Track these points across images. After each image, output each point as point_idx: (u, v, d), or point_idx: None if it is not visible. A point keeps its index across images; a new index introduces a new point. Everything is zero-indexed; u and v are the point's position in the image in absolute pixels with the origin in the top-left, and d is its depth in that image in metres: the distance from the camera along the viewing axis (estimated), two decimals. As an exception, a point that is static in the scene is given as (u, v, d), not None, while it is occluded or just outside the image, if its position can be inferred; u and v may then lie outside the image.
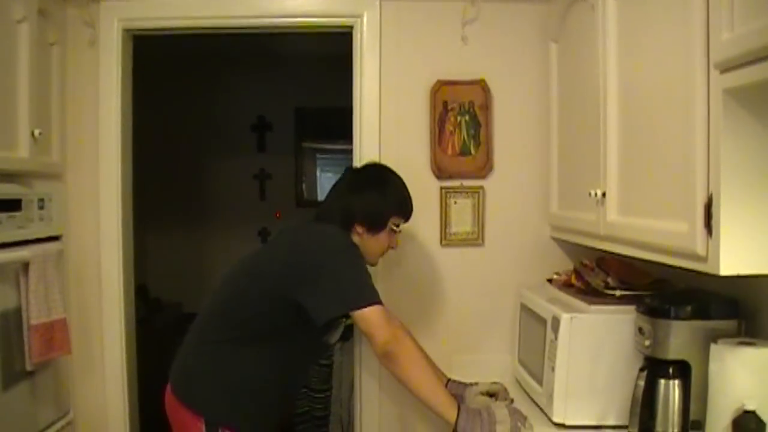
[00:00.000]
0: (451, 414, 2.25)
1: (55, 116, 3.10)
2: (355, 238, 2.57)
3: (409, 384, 2.31)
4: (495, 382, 2.74)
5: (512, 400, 2.62)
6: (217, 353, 2.47)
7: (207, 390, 2.44)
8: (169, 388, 2.53)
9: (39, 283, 2.79)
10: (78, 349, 3.19)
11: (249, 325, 2.43)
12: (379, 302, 2.31)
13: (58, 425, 3.02)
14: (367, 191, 2.61)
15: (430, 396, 2.29)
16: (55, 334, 2.88)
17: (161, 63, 5.53)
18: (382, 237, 2.62)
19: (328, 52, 4.25)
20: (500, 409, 2.31)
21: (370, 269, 2.52)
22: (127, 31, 3.28)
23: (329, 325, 2.45)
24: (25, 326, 2.74)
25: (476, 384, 2.72)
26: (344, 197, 2.63)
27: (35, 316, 2.76)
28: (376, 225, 2.59)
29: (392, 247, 2.70)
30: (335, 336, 2.68)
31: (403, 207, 2.67)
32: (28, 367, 2.75)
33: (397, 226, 2.65)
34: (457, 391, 2.67)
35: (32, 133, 2.75)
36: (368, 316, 2.29)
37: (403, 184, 2.72)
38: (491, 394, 2.66)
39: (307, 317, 2.32)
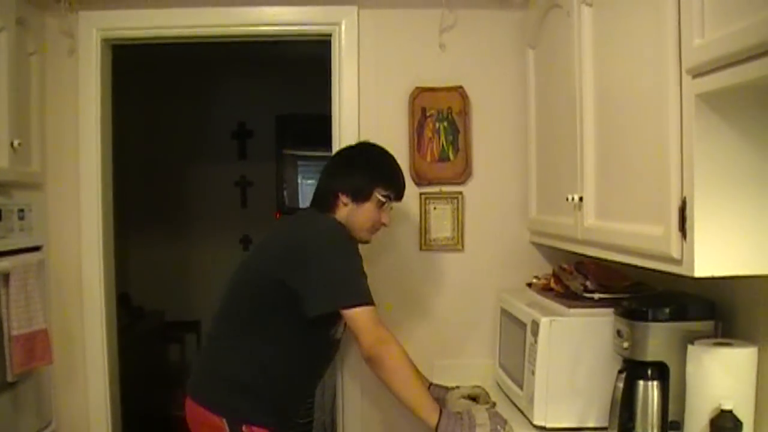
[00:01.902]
0: (432, 417, 2.27)
1: (35, 126, 3.10)
2: (342, 211, 2.56)
3: (392, 387, 2.33)
4: (476, 386, 2.75)
5: (494, 404, 2.64)
6: (229, 351, 2.48)
7: (224, 389, 2.44)
8: (188, 396, 2.52)
9: (20, 294, 2.78)
10: (60, 358, 3.17)
11: (255, 317, 2.45)
12: (370, 303, 2.33)
13: (41, 435, 3.02)
14: (351, 164, 2.64)
15: (412, 400, 2.32)
16: (37, 345, 2.87)
17: (141, 71, 5.52)
18: (369, 208, 2.58)
19: (309, 58, 4.26)
20: (480, 413, 2.34)
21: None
22: (106, 40, 3.27)
23: (330, 320, 2.46)
24: (5, 337, 2.73)
25: (457, 388, 2.73)
26: (330, 173, 2.66)
27: (16, 326, 2.75)
28: (360, 194, 2.56)
29: (384, 224, 2.65)
30: (340, 331, 2.64)
31: (389, 177, 2.64)
32: (10, 378, 2.75)
33: (386, 199, 2.61)
34: (438, 394, 2.68)
35: (11, 144, 2.75)
36: (357, 316, 2.31)
37: (391, 157, 2.71)
38: (473, 398, 2.68)
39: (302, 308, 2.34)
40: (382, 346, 2.31)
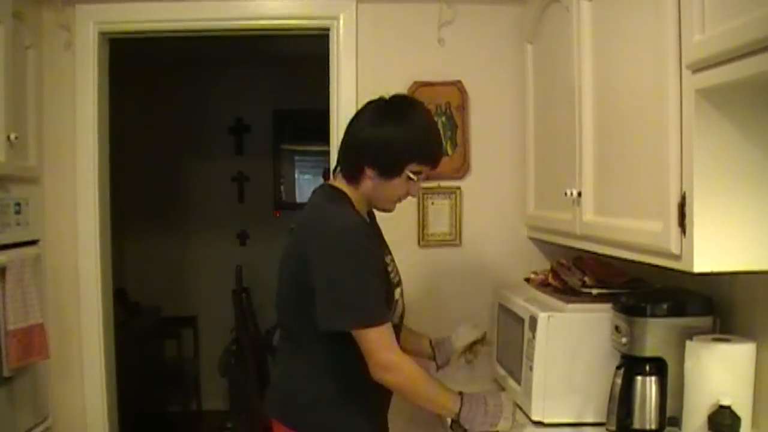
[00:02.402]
0: (454, 410, 2.16)
1: (32, 120, 3.09)
2: (367, 184, 2.24)
3: (407, 399, 2.21)
4: (474, 326, 2.68)
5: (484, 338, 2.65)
6: (296, 364, 2.30)
7: (302, 406, 2.26)
8: (273, 420, 2.32)
9: (16, 288, 2.78)
10: (56, 353, 3.17)
11: (298, 324, 2.26)
12: (381, 322, 2.09)
13: (37, 431, 3.01)
14: (381, 133, 2.20)
15: (428, 406, 2.22)
16: (33, 340, 2.86)
17: (138, 65, 5.50)
18: (397, 183, 2.23)
19: (307, 53, 4.25)
20: (507, 403, 2.22)
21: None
22: (103, 34, 3.27)
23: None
24: (2, 332, 2.72)
25: (455, 335, 2.64)
26: (356, 137, 2.26)
27: (12, 321, 2.74)
28: (389, 170, 2.21)
29: (411, 195, 2.31)
30: (397, 315, 2.41)
31: (426, 152, 2.25)
32: (6, 373, 2.74)
33: (417, 175, 2.24)
34: (440, 347, 2.62)
35: (8, 138, 2.74)
36: (362, 339, 2.09)
37: (429, 121, 2.33)
38: (474, 342, 2.64)
39: None
40: (386, 374, 2.11)
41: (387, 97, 2.34)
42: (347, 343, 2.12)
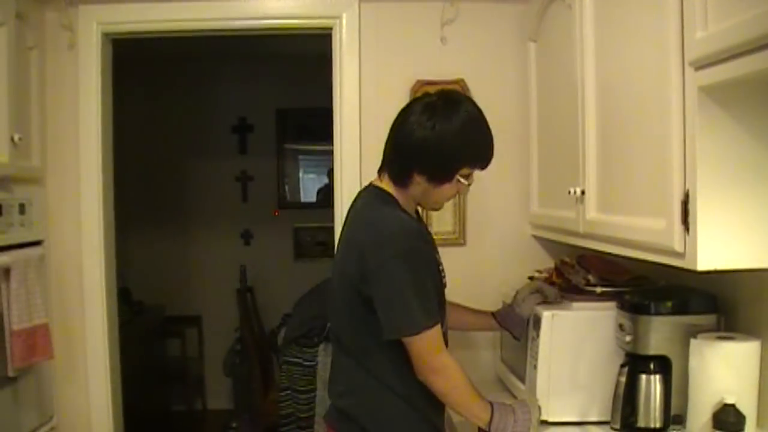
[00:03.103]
0: (485, 419, 2.15)
1: (35, 120, 3.09)
2: (416, 189, 2.20)
3: (446, 402, 2.23)
4: (533, 288, 2.59)
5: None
6: (357, 379, 2.24)
7: (369, 420, 2.21)
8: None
9: (20, 289, 2.78)
10: (60, 353, 3.17)
11: (357, 336, 2.22)
12: (429, 326, 2.08)
13: (42, 431, 3.01)
14: (433, 138, 2.12)
15: (466, 413, 2.21)
16: (37, 340, 2.86)
17: (141, 65, 5.52)
18: (447, 188, 2.20)
19: (310, 52, 4.25)
20: (535, 411, 2.20)
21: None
22: (106, 34, 3.27)
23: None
24: (6, 332, 2.73)
25: (519, 302, 2.59)
26: (406, 139, 2.17)
27: (17, 321, 2.75)
28: (440, 177, 2.17)
29: (461, 194, 2.34)
30: (445, 324, 2.37)
31: (477, 155, 2.22)
32: (10, 373, 2.74)
33: (468, 177, 2.22)
34: (509, 319, 2.59)
35: (12, 138, 2.74)
36: (421, 342, 2.08)
37: (483, 121, 2.26)
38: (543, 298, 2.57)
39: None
40: (434, 376, 2.12)
41: (433, 94, 2.25)
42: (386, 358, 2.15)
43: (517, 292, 2.60)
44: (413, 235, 2.14)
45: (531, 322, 2.49)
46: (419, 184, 2.18)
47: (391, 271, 2.06)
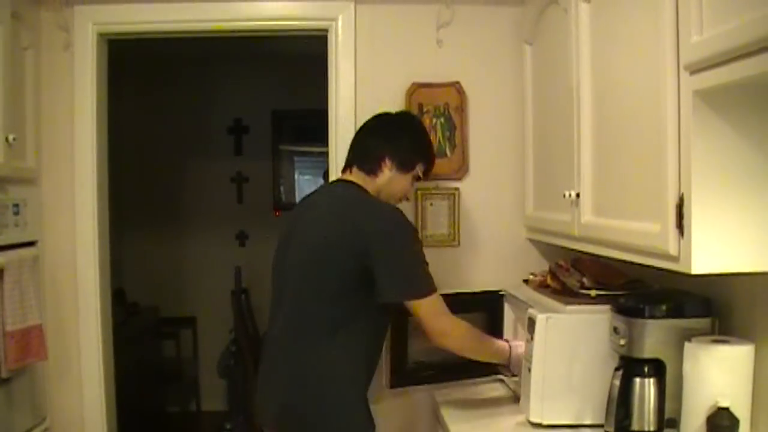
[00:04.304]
0: (505, 357, 2.59)
1: (30, 121, 3.08)
2: (384, 176, 2.56)
3: (464, 356, 2.54)
4: None
5: None
6: (317, 358, 2.39)
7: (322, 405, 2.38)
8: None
9: (14, 290, 2.77)
10: (54, 354, 3.16)
11: (342, 305, 2.39)
12: (435, 290, 2.39)
13: (35, 432, 3.01)
14: (401, 133, 2.63)
15: (484, 359, 2.59)
16: (31, 341, 2.86)
17: (137, 66, 5.51)
18: (407, 179, 2.62)
19: (306, 54, 4.25)
20: None
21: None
22: (101, 35, 3.26)
23: (392, 308, 2.47)
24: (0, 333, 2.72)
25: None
26: (378, 134, 2.64)
27: (10, 322, 2.74)
28: (405, 164, 2.58)
29: (408, 198, 2.75)
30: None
31: (430, 155, 2.70)
32: (4, 374, 2.74)
33: (421, 175, 2.67)
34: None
35: (6, 139, 2.73)
36: (429, 305, 2.37)
37: (429, 135, 2.83)
38: None
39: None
40: (445, 339, 2.43)
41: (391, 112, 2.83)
42: (381, 324, 2.52)
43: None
44: (404, 215, 2.46)
45: (525, 325, 2.49)
46: (388, 170, 2.56)
47: (401, 243, 2.38)
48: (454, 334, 2.45)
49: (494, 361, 2.61)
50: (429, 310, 2.38)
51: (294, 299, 2.46)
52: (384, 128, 2.68)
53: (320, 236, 2.43)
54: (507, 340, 2.66)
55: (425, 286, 2.37)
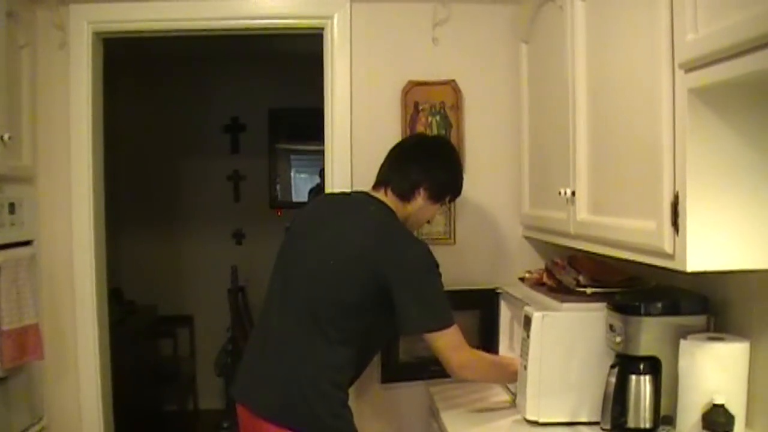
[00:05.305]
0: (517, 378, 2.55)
1: (26, 119, 3.08)
2: (415, 204, 2.57)
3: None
4: None
5: None
6: (309, 355, 2.40)
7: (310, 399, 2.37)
8: (267, 420, 2.43)
9: (11, 289, 2.77)
10: (51, 353, 3.16)
11: (355, 319, 2.40)
12: (453, 323, 2.39)
13: (32, 431, 3.00)
14: (439, 164, 2.63)
15: (501, 382, 2.77)
16: (28, 340, 2.86)
17: (133, 64, 5.51)
18: (434, 209, 2.64)
19: (302, 52, 4.25)
20: None
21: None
22: (97, 34, 3.26)
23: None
24: (-4, 332, 2.72)
25: None
26: (415, 162, 2.60)
27: (7, 321, 2.74)
28: (438, 197, 2.60)
29: (429, 222, 2.78)
30: None
31: (461, 186, 2.72)
32: (0, 374, 2.74)
33: (448, 203, 2.73)
34: None
35: (2, 138, 2.73)
36: (443, 341, 2.37)
37: (461, 161, 2.83)
38: None
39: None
40: (462, 371, 2.47)
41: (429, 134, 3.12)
42: (383, 339, 2.65)
43: None
44: (433, 255, 2.44)
45: (521, 323, 2.49)
46: (421, 199, 2.57)
47: (426, 276, 2.39)
48: (473, 366, 2.50)
49: (512, 382, 2.60)
50: (448, 344, 2.38)
51: (306, 302, 2.42)
52: (424, 156, 2.64)
53: (348, 249, 2.42)
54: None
55: (446, 319, 2.38)
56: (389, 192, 2.57)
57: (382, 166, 2.65)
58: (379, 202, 2.56)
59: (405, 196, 2.56)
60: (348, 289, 2.37)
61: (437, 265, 2.43)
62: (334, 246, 2.44)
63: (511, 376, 2.56)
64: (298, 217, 2.72)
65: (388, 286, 2.33)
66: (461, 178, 2.70)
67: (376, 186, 2.62)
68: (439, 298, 2.40)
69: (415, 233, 2.70)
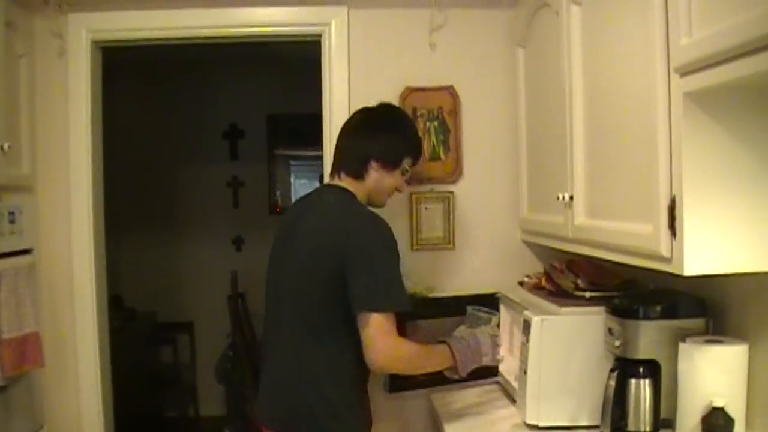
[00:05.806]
0: (449, 363, 2.47)
1: (25, 128, 3.09)
2: (371, 177, 2.51)
3: (409, 374, 2.71)
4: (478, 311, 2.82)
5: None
6: (311, 365, 2.38)
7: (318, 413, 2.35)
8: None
9: (10, 297, 2.77)
10: (51, 361, 3.16)
11: (329, 321, 2.35)
12: (396, 308, 2.30)
13: (33, 439, 3.01)
14: (383, 131, 2.57)
15: (431, 369, 2.50)
16: (28, 348, 2.86)
17: (132, 71, 5.51)
18: (395, 175, 2.56)
19: (300, 58, 4.25)
20: (485, 339, 2.55)
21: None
22: (95, 42, 3.27)
23: None
24: (-4, 341, 2.73)
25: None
26: (361, 135, 2.58)
27: (7, 330, 2.74)
28: (391, 163, 2.53)
29: (400, 190, 2.66)
30: None
31: (417, 147, 2.66)
32: (1, 382, 2.74)
33: (410, 168, 2.62)
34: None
35: (1, 147, 2.74)
36: (379, 322, 2.24)
37: (413, 123, 2.82)
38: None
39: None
40: (388, 359, 2.31)
41: (373, 105, 2.74)
42: (352, 346, 2.32)
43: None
44: (389, 228, 2.40)
45: (521, 327, 2.50)
46: (374, 171, 2.52)
47: (379, 251, 2.33)
48: (398, 354, 2.32)
49: (442, 368, 2.49)
50: (381, 326, 2.25)
51: (291, 305, 2.43)
52: (365, 128, 2.61)
53: (312, 245, 2.39)
54: (444, 341, 2.50)
55: (395, 301, 2.29)
56: (343, 175, 2.54)
57: (334, 152, 2.65)
58: (337, 189, 2.53)
59: (358, 174, 2.52)
60: (325, 288, 2.32)
61: (395, 243, 2.37)
62: (304, 248, 2.42)
63: (441, 361, 2.45)
64: (278, 227, 2.68)
65: (345, 269, 2.28)
66: (414, 138, 2.66)
67: (332, 174, 2.60)
68: (392, 278, 2.30)
69: (384, 200, 2.62)
